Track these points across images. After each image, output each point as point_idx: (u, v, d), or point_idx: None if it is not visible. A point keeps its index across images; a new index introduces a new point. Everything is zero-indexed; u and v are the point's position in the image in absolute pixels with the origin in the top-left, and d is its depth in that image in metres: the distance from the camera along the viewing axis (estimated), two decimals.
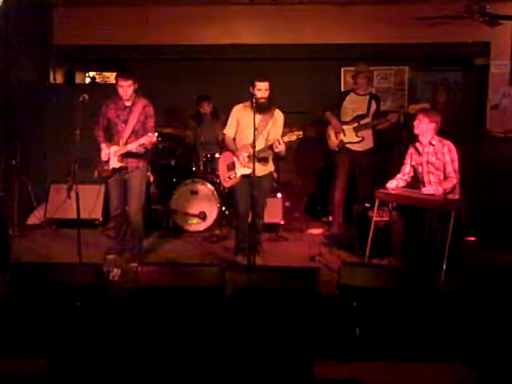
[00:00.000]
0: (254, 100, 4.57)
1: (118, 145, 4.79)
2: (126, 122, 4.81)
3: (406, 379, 2.39)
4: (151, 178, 6.05)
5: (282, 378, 2.61)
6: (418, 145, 4.81)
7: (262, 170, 4.82)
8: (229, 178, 4.93)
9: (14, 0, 5.79)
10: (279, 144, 4.62)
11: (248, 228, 4.93)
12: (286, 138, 4.64)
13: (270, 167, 4.96)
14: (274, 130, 4.84)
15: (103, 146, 4.86)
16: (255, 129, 4.53)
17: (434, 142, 4.72)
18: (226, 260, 5.05)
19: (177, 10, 7.04)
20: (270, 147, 4.71)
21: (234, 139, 4.93)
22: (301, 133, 4.63)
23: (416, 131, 4.73)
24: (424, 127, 4.69)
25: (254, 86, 4.72)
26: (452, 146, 4.70)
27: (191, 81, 7.01)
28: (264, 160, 4.84)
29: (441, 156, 4.70)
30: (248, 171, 4.73)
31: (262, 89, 4.69)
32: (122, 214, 5.03)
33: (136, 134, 4.78)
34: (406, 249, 4.67)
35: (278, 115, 4.88)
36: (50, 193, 6.31)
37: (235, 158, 4.87)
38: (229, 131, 4.94)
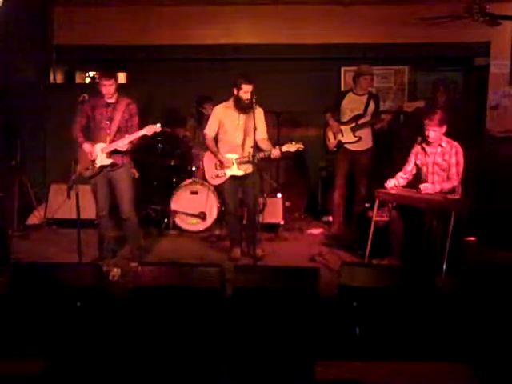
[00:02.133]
0: (253, 101, 4.66)
1: (105, 142, 4.72)
2: (110, 119, 4.75)
3: (406, 379, 2.39)
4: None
5: (282, 378, 2.61)
6: (425, 145, 4.79)
7: (249, 168, 4.92)
8: (217, 176, 5.01)
9: (14, 0, 5.79)
10: (276, 153, 4.78)
11: (238, 222, 5.17)
12: (284, 148, 4.79)
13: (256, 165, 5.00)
14: (260, 128, 4.87)
15: (86, 145, 4.74)
16: (254, 129, 4.61)
17: (443, 144, 4.70)
18: (225, 260, 5.06)
19: (177, 10, 7.05)
20: (268, 156, 4.82)
21: (216, 140, 5.01)
22: (301, 146, 4.81)
23: (431, 140, 4.68)
24: (438, 135, 4.66)
25: (239, 88, 4.80)
26: (459, 149, 4.67)
27: (191, 81, 7.01)
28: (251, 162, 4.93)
29: (447, 157, 4.68)
30: (239, 173, 4.93)
31: (248, 91, 4.78)
32: (107, 215, 4.96)
33: (121, 132, 4.75)
34: (405, 249, 4.67)
35: (259, 112, 4.90)
36: (49, 193, 6.30)
37: (220, 159, 4.94)
38: (210, 131, 5.01)
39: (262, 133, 4.90)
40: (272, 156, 4.80)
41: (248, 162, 4.87)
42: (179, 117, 6.93)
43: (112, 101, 4.78)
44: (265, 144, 4.91)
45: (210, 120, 5.04)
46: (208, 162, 5.09)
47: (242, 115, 4.88)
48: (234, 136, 4.94)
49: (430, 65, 7.44)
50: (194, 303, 3.09)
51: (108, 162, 4.74)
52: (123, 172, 4.85)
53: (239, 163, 4.93)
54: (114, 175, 4.83)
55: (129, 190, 4.88)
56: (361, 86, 5.82)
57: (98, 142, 4.75)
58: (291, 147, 4.77)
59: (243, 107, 4.81)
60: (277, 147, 4.82)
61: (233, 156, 4.95)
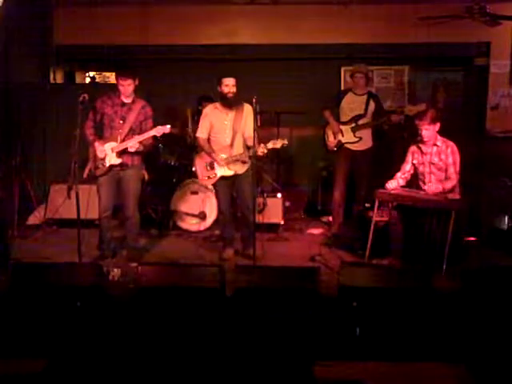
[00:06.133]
0: (254, 101, 4.64)
1: (116, 141, 4.74)
2: (124, 118, 4.76)
3: (406, 379, 2.39)
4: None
5: (282, 378, 2.61)
6: (421, 144, 4.80)
7: (240, 168, 4.95)
8: (208, 177, 5.02)
9: (14, 0, 5.79)
10: (261, 151, 4.71)
11: (230, 222, 5.16)
12: (270, 145, 4.76)
13: (248, 164, 4.96)
14: (249, 126, 4.85)
15: (97, 144, 4.77)
16: (254, 130, 4.59)
17: (438, 143, 4.72)
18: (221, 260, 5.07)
19: (177, 10, 7.05)
20: (255, 154, 4.72)
21: (208, 141, 5.02)
22: (285, 142, 4.81)
23: (426, 139, 4.70)
24: (431, 133, 4.68)
25: (221, 84, 4.84)
26: (455, 148, 4.70)
27: (191, 81, 7.01)
28: (242, 161, 4.93)
29: (444, 157, 4.70)
30: (229, 173, 4.91)
31: (229, 84, 4.82)
32: (110, 216, 4.95)
33: (133, 133, 4.77)
34: (405, 249, 4.67)
35: (248, 110, 4.91)
36: (50, 193, 6.29)
37: (214, 157, 4.95)
38: (202, 134, 5.02)
39: (248, 131, 4.84)
40: (258, 153, 4.72)
41: (237, 161, 4.89)
42: (179, 117, 6.92)
43: (128, 101, 4.79)
44: (251, 142, 4.80)
45: (201, 122, 5.05)
46: (199, 162, 5.10)
47: (230, 114, 4.90)
48: (224, 136, 4.94)
49: (429, 65, 7.44)
50: (194, 303, 3.09)
51: (117, 161, 4.75)
52: (133, 173, 4.86)
53: (228, 163, 4.91)
54: (123, 175, 4.84)
55: (136, 191, 4.89)
56: (358, 84, 5.81)
57: (108, 141, 4.76)
58: (276, 143, 4.75)
59: (227, 103, 4.84)
60: (261, 145, 4.72)
61: (221, 156, 4.93)
